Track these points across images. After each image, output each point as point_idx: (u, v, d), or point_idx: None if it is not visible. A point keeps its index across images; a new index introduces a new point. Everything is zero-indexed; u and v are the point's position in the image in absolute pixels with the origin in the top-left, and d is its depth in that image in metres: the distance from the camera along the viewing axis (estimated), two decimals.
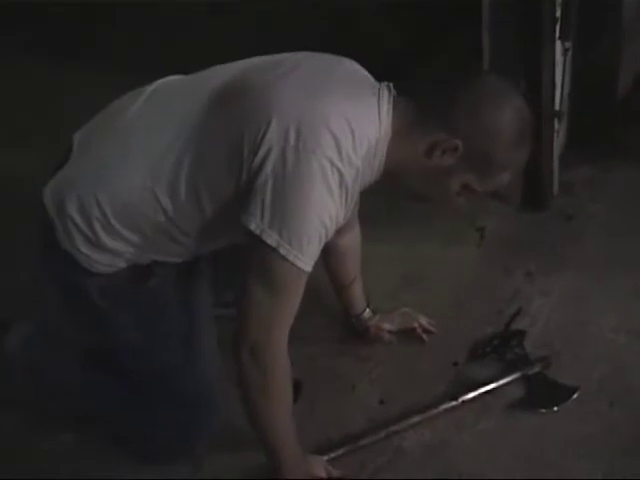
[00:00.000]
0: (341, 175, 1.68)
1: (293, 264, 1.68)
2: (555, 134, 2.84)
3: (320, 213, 1.67)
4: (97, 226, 1.82)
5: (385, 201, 2.67)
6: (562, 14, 2.64)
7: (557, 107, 2.80)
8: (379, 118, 1.76)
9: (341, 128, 1.68)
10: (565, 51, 2.75)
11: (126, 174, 1.79)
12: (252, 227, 1.67)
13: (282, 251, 1.66)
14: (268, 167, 1.66)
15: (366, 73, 1.91)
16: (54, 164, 1.94)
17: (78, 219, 1.82)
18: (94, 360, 2.06)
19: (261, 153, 1.67)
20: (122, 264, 1.89)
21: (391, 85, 1.84)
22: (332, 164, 1.66)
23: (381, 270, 2.58)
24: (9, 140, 3.44)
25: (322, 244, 1.73)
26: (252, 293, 1.72)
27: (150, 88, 1.92)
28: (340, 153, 1.67)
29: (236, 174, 1.71)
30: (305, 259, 1.69)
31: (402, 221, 2.85)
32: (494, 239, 2.83)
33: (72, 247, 1.85)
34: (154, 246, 1.88)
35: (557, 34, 2.65)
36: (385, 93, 1.80)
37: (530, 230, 2.85)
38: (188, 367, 1.93)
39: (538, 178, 2.87)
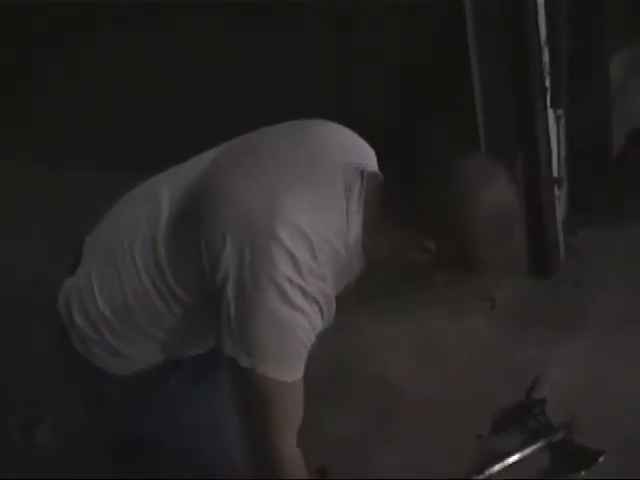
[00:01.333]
0: (303, 290, 1.61)
1: (275, 379, 1.63)
2: (556, 200, 2.88)
3: (290, 330, 1.63)
4: (106, 333, 1.83)
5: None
6: (551, 83, 2.70)
7: (555, 174, 2.84)
8: (347, 220, 1.66)
9: (296, 241, 1.60)
10: (558, 118, 2.80)
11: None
12: (227, 352, 1.64)
13: (260, 371, 1.62)
14: (229, 291, 1.62)
15: (344, 151, 1.77)
16: (68, 263, 1.96)
17: (87, 329, 1.83)
18: (122, 452, 2.06)
19: (220, 275, 1.63)
20: (140, 366, 1.89)
21: (365, 172, 1.69)
22: (291, 282, 1.60)
23: (397, 350, 2.59)
24: None
25: (304, 351, 1.66)
26: (243, 411, 1.71)
27: (137, 189, 1.90)
28: (298, 268, 1.60)
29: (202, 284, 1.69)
30: (286, 372, 1.64)
31: (412, 295, 2.86)
32: (506, 309, 2.84)
33: (87, 353, 1.86)
34: (165, 344, 1.88)
35: (548, 103, 2.71)
36: (356, 187, 1.67)
37: (540, 297, 2.87)
38: (215, 460, 1.93)
39: (544, 245, 2.89)
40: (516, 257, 1.74)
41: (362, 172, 1.68)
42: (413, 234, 1.62)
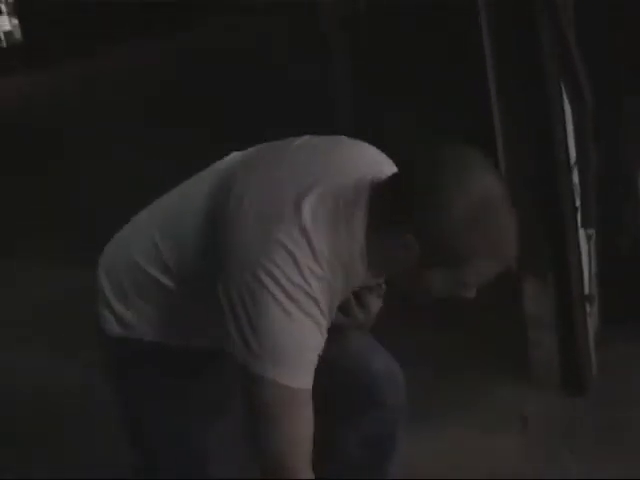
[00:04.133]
0: (305, 291, 1.63)
1: (285, 385, 1.64)
2: (588, 317, 2.90)
3: (297, 331, 1.64)
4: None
5: (425, 393, 2.71)
6: (582, 202, 2.75)
7: (587, 291, 2.86)
8: (353, 233, 1.67)
9: (297, 242, 1.64)
10: (589, 237, 2.84)
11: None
12: (239, 360, 1.66)
13: (270, 375, 1.63)
14: (233, 293, 1.65)
15: (360, 162, 1.80)
16: None
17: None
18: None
19: (224, 277, 1.67)
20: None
21: (373, 180, 1.71)
22: (293, 283, 1.63)
23: (428, 466, 2.59)
24: None
25: (312, 355, 1.67)
26: (254, 428, 1.70)
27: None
28: (299, 269, 1.63)
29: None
30: (296, 377, 1.65)
31: (444, 412, 2.87)
32: (538, 425, 2.83)
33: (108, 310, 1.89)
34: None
35: (579, 222, 2.75)
36: (363, 197, 1.68)
37: (573, 414, 2.85)
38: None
39: (575, 362, 2.90)
40: (507, 248, 1.66)
41: (371, 181, 1.71)
42: (394, 230, 1.64)
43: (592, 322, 2.97)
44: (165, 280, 1.81)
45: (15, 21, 23.38)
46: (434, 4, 3.99)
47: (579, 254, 2.77)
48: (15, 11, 22.92)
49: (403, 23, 4.31)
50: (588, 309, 2.89)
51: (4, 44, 22.96)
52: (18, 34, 23.08)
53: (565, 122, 2.67)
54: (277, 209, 1.69)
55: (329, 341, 1.76)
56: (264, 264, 1.63)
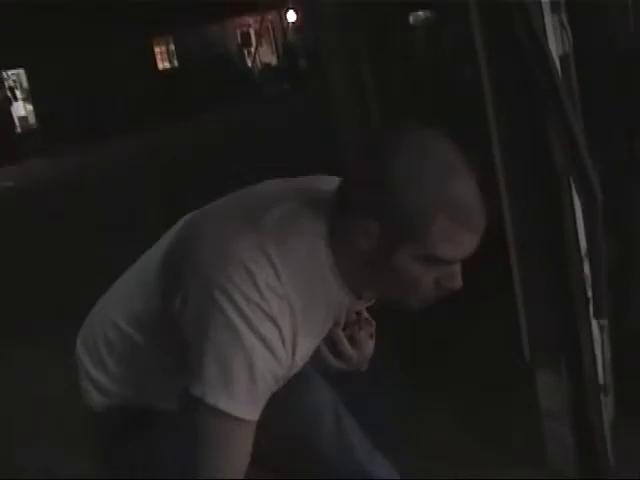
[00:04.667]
0: (262, 309, 1.56)
1: (225, 413, 1.56)
2: (603, 406, 2.89)
3: (244, 353, 1.55)
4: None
5: None
6: (594, 293, 2.77)
7: (601, 381, 2.86)
8: (314, 246, 1.62)
9: (254, 258, 1.59)
10: (601, 328, 2.85)
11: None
12: (179, 380, 1.61)
13: (210, 400, 1.55)
14: (186, 312, 1.61)
15: (318, 182, 1.77)
16: None
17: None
18: None
19: (179, 298, 1.63)
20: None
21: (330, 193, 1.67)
22: (248, 299, 1.56)
23: None
24: None
25: (261, 384, 1.58)
26: (192, 456, 1.61)
27: None
28: (256, 285, 1.57)
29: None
30: (239, 405, 1.57)
31: None
32: None
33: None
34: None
35: (592, 313, 2.76)
36: (321, 210, 1.64)
37: None
38: None
39: (592, 452, 2.88)
40: (464, 205, 1.54)
41: (327, 193, 1.66)
42: (352, 226, 1.58)
43: (607, 411, 2.96)
44: (136, 335, 1.75)
45: (29, 107, 23.81)
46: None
47: (592, 345, 2.78)
48: (29, 97, 23.37)
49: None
50: (603, 399, 2.88)
51: (19, 129, 23.37)
52: (32, 120, 23.50)
53: (575, 215, 2.71)
54: (235, 228, 1.64)
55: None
56: (222, 284, 1.56)
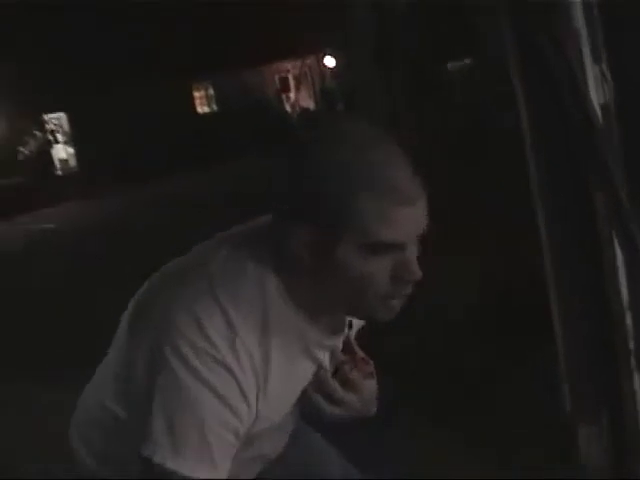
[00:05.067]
0: (212, 357, 1.49)
1: (173, 472, 1.48)
2: None
3: (193, 407, 1.48)
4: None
5: None
6: (635, 346, 2.73)
7: None
8: (262, 277, 1.57)
9: (203, 305, 1.54)
10: None
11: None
12: (134, 444, 1.53)
13: (157, 459, 1.48)
14: (138, 370, 1.56)
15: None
16: None
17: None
18: None
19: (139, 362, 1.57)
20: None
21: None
22: (195, 348, 1.50)
23: None
24: None
25: (215, 440, 1.50)
26: None
27: None
28: (203, 331, 1.51)
29: None
30: (187, 464, 1.48)
31: None
32: None
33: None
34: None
35: (633, 366, 2.72)
36: (262, 241, 1.61)
37: None
38: None
39: (624, 447, 2.82)
40: (388, 179, 1.48)
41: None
42: (285, 233, 1.53)
43: None
44: (119, 410, 1.67)
45: (70, 150, 24.13)
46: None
47: (634, 398, 2.74)
48: (70, 141, 23.70)
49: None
50: None
51: (59, 172, 23.67)
52: (73, 162, 23.80)
53: (617, 266, 2.68)
54: (180, 274, 1.62)
55: None
56: (168, 334, 1.51)
